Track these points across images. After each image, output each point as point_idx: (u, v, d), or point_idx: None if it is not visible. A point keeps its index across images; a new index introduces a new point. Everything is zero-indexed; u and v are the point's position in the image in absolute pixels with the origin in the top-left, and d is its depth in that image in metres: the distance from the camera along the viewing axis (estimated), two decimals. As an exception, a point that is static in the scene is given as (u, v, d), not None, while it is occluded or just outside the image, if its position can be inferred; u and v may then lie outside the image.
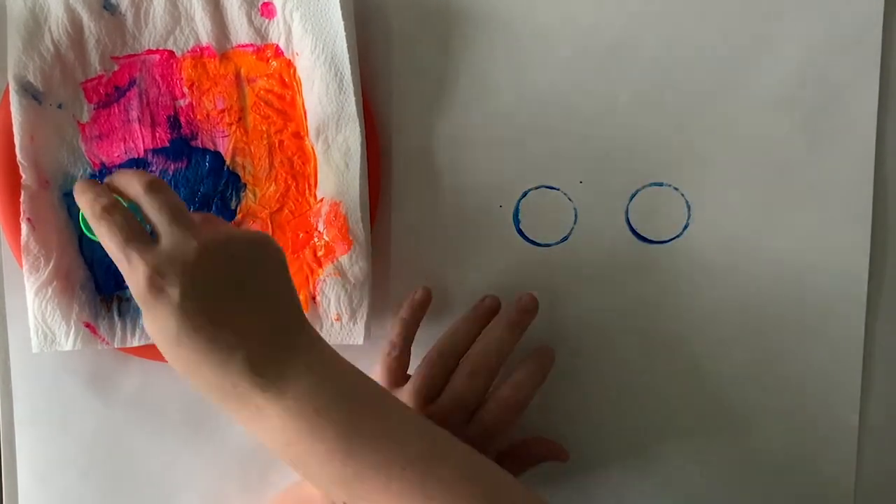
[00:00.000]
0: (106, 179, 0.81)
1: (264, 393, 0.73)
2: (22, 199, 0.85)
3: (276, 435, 0.74)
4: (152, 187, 0.77)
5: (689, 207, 0.91)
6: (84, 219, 0.80)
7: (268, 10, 0.86)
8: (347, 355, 0.91)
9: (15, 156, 0.85)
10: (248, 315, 0.74)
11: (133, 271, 0.74)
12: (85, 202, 0.78)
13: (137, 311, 0.88)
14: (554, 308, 0.92)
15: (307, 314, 0.87)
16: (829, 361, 0.93)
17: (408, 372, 0.89)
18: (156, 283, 0.72)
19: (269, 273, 0.77)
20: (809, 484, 0.94)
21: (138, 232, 0.76)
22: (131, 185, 0.78)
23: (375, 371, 0.89)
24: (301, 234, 0.88)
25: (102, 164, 0.87)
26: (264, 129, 0.88)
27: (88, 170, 0.87)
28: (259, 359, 0.73)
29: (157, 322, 0.73)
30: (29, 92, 0.85)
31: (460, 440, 0.78)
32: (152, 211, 0.76)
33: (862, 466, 0.94)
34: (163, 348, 0.74)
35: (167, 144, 0.88)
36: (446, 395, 0.85)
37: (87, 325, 0.87)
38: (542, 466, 0.91)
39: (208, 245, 0.74)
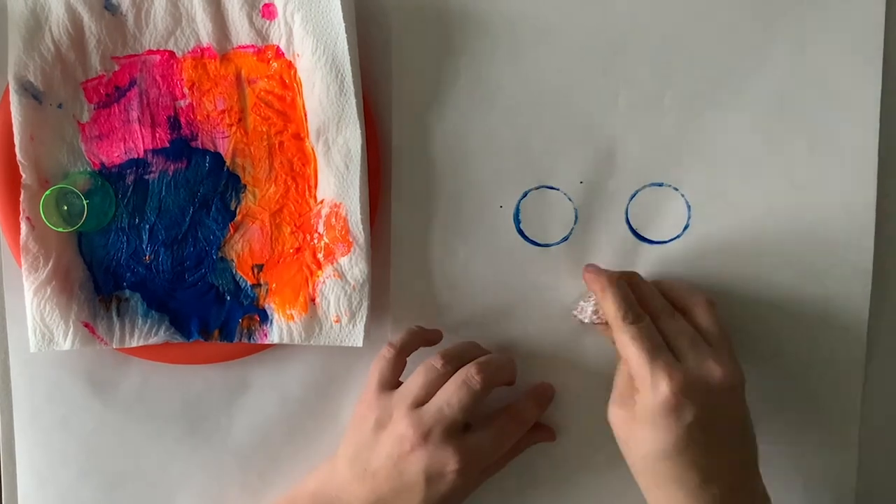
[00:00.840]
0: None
1: None
2: (22, 198, 0.86)
3: None
4: (669, 311, 0.86)
5: (689, 207, 0.91)
6: None
7: (269, 12, 0.86)
8: (347, 356, 0.91)
9: (15, 155, 0.85)
10: (730, 455, 0.82)
11: (656, 382, 0.80)
12: (616, 302, 0.84)
13: (136, 312, 0.88)
14: (554, 307, 0.92)
15: (306, 315, 0.88)
16: (829, 361, 0.93)
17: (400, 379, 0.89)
18: (675, 403, 0.79)
19: (747, 425, 0.85)
20: (809, 484, 0.94)
21: (663, 348, 0.82)
22: (651, 301, 0.86)
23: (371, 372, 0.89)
24: (301, 236, 0.88)
25: (102, 163, 0.87)
26: (264, 130, 0.88)
27: (88, 170, 0.87)
28: (730, 496, 0.81)
29: (653, 431, 0.81)
30: (29, 91, 0.85)
31: (453, 451, 0.82)
32: (673, 332, 0.84)
33: (862, 466, 0.94)
34: (642, 451, 0.83)
35: (167, 145, 0.87)
36: (433, 402, 0.85)
37: (86, 325, 0.88)
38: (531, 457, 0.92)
39: (731, 380, 0.82)
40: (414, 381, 0.86)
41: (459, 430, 0.85)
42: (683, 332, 0.83)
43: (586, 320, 0.89)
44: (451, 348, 0.89)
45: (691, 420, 0.79)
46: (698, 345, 0.83)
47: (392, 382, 0.88)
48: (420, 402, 0.85)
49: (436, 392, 0.85)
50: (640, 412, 0.82)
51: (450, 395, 0.84)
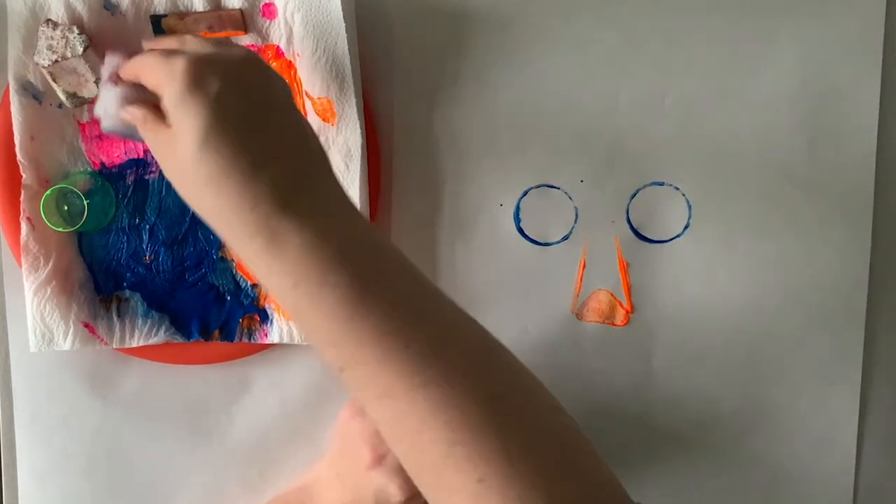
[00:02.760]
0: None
1: (287, 217, 0.67)
2: (22, 198, 0.86)
3: (285, 272, 0.67)
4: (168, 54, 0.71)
5: (689, 206, 0.91)
6: None
7: (269, 11, 0.86)
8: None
9: (15, 155, 0.85)
10: (279, 137, 0.70)
11: (171, 65, 0.68)
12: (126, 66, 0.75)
13: (136, 312, 0.89)
14: (554, 307, 0.93)
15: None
16: (828, 361, 0.93)
17: None
18: (195, 75, 0.67)
19: (294, 107, 0.72)
20: (809, 484, 0.94)
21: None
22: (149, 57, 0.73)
23: None
24: (301, 235, 0.88)
25: (102, 164, 0.88)
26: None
27: (88, 170, 0.87)
28: (287, 182, 0.68)
29: (186, 119, 0.67)
30: (29, 92, 0.85)
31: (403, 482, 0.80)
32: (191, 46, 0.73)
33: (862, 467, 0.94)
34: (185, 153, 0.68)
35: (167, 145, 0.87)
36: None
37: (86, 325, 0.88)
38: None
39: (251, 57, 0.71)
40: None
41: None
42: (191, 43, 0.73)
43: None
44: None
45: (218, 87, 0.67)
46: (206, 45, 0.72)
47: None
48: None
49: None
50: (170, 113, 0.69)
51: None
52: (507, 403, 0.66)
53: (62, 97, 0.84)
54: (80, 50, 0.83)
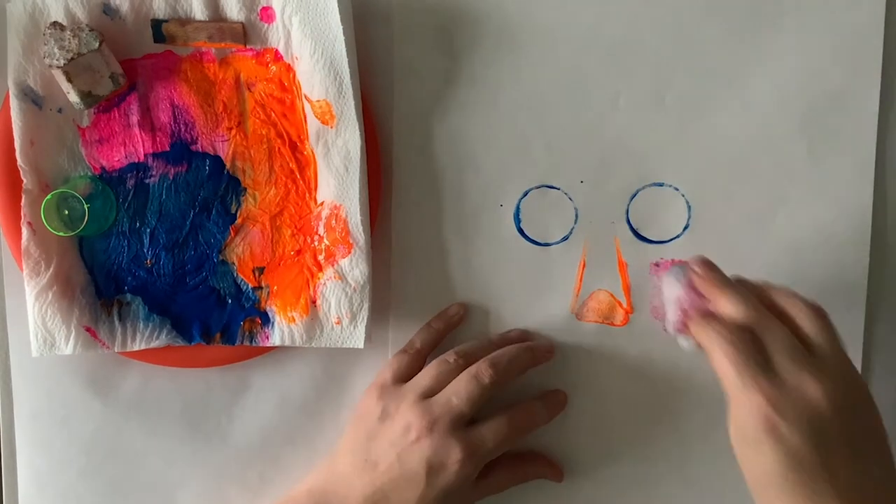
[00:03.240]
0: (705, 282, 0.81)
1: None
2: (22, 203, 0.86)
3: None
4: (766, 318, 0.77)
5: (689, 207, 0.91)
6: None
7: (267, 15, 0.86)
8: (348, 357, 0.91)
9: (15, 160, 0.85)
10: (855, 479, 0.73)
11: (747, 399, 0.73)
12: (712, 331, 0.77)
13: (138, 316, 0.89)
14: (554, 307, 0.93)
15: (307, 317, 0.88)
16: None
17: None
18: (773, 422, 0.71)
19: (880, 447, 0.76)
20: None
21: (758, 360, 0.74)
22: (741, 308, 0.77)
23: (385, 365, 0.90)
24: (301, 238, 0.88)
25: (103, 168, 0.87)
26: (264, 133, 0.87)
27: (88, 174, 0.87)
28: None
29: (752, 455, 0.73)
30: (29, 96, 0.85)
31: (456, 442, 0.81)
32: (771, 342, 0.75)
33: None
34: (749, 476, 0.75)
35: (167, 149, 0.87)
36: (442, 394, 0.86)
37: (88, 330, 0.88)
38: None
39: (836, 394, 0.73)
40: (426, 373, 0.88)
41: (465, 423, 0.85)
42: (781, 344, 0.75)
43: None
44: (466, 345, 0.90)
45: (797, 441, 0.71)
46: (798, 358, 0.74)
47: (406, 377, 0.89)
48: (429, 394, 0.86)
49: (446, 385, 0.86)
50: (738, 430, 0.75)
51: (459, 388, 0.85)
52: None
53: (75, 98, 0.84)
54: (96, 45, 0.83)
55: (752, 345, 0.74)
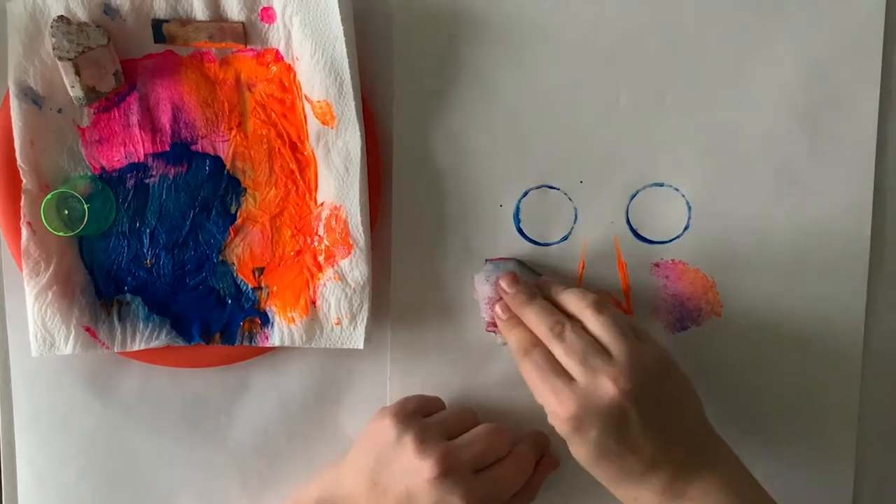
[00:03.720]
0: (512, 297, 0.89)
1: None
2: (22, 203, 0.86)
3: None
4: (557, 332, 0.84)
5: (689, 207, 0.91)
6: None
7: (268, 15, 0.86)
8: (347, 358, 0.91)
9: (15, 160, 0.85)
10: (662, 446, 0.81)
11: (552, 409, 0.81)
12: (513, 340, 0.87)
13: (137, 316, 0.89)
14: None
15: (307, 318, 0.88)
16: (828, 361, 0.93)
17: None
18: (575, 426, 0.80)
19: (681, 397, 0.85)
20: (809, 484, 0.94)
21: (555, 370, 0.82)
22: (538, 327, 0.86)
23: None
24: (301, 239, 0.88)
25: (102, 168, 0.87)
26: (264, 133, 0.87)
27: (88, 174, 0.87)
28: (670, 485, 0.82)
29: (573, 446, 0.82)
30: (29, 96, 0.85)
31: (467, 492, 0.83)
32: (562, 355, 0.83)
33: (862, 467, 0.94)
34: (582, 464, 0.83)
35: (167, 149, 0.87)
36: (466, 440, 0.86)
37: (87, 330, 0.88)
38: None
39: (625, 386, 0.79)
40: (451, 414, 0.89)
41: (473, 474, 0.85)
42: (571, 351, 0.82)
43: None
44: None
45: (596, 435, 0.80)
46: (588, 359, 0.81)
47: (426, 412, 0.89)
48: (451, 436, 0.86)
49: (466, 430, 0.87)
50: (558, 429, 0.82)
51: (482, 436, 0.87)
52: None
53: (78, 93, 0.84)
54: (105, 41, 0.83)
55: (549, 359, 0.83)
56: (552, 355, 0.83)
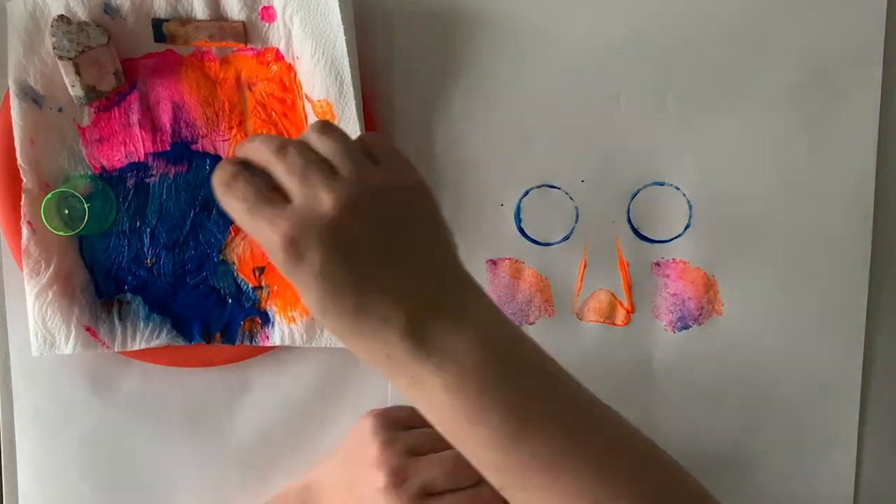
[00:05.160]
0: (235, 151, 0.74)
1: (421, 364, 0.65)
2: (22, 202, 0.86)
3: (434, 408, 0.67)
4: (280, 150, 0.68)
5: (690, 206, 0.91)
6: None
7: (268, 14, 0.86)
8: (348, 358, 0.91)
9: (15, 159, 0.85)
10: (401, 277, 0.67)
11: (266, 241, 0.66)
12: (215, 182, 0.70)
13: (138, 315, 0.89)
14: (554, 307, 0.93)
15: (308, 317, 0.88)
16: (829, 361, 0.93)
17: None
18: (293, 251, 0.65)
19: (423, 227, 0.70)
20: (809, 485, 0.94)
21: (264, 196, 0.67)
22: (259, 152, 0.69)
23: None
24: (302, 238, 0.88)
25: (103, 167, 0.87)
26: (265, 132, 0.87)
27: (89, 173, 0.87)
28: (415, 326, 0.66)
29: (300, 289, 0.66)
30: (29, 96, 0.85)
31: None
32: (282, 174, 0.68)
33: (862, 467, 0.94)
34: (314, 315, 0.74)
35: (168, 148, 0.88)
36: (429, 460, 0.83)
37: (88, 329, 0.88)
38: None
39: (348, 202, 0.66)
40: (432, 432, 0.76)
41: (432, 493, 0.82)
42: (292, 169, 0.67)
43: None
44: None
45: (319, 257, 0.64)
46: (310, 176, 0.67)
47: (414, 425, 0.85)
48: (419, 453, 0.82)
49: (436, 450, 0.82)
50: (282, 272, 0.67)
51: (446, 462, 0.82)
52: None
53: (79, 92, 0.84)
54: (105, 40, 0.84)
55: (255, 185, 0.68)
56: (260, 183, 0.68)
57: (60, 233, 0.86)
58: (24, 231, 0.86)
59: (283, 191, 0.68)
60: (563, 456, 0.65)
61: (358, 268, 0.66)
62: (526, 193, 0.91)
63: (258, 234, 0.67)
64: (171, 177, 0.88)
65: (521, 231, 0.92)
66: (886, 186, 0.92)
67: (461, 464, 0.72)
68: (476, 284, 0.70)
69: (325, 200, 0.65)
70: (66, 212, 0.87)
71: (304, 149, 0.69)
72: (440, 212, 0.71)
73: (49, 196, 0.85)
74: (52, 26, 0.83)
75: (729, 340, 0.93)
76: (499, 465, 0.66)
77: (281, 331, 0.89)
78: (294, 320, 0.89)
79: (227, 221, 0.88)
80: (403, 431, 0.84)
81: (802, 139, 0.91)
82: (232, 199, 0.68)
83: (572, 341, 0.93)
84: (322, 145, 0.69)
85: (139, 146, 0.87)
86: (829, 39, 0.90)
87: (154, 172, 0.88)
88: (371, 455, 0.82)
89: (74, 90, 0.84)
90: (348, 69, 0.85)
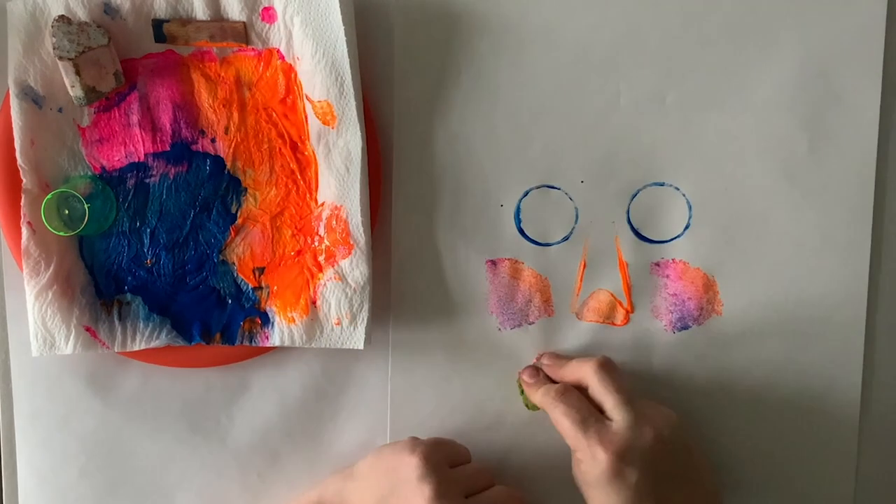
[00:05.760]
0: (552, 365, 0.91)
1: None
2: (22, 202, 0.85)
3: None
4: (604, 368, 0.86)
5: (690, 207, 0.91)
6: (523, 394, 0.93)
7: (268, 15, 0.86)
8: (348, 358, 0.91)
9: (15, 160, 0.85)
10: (683, 496, 0.84)
11: (592, 454, 0.82)
12: (536, 391, 0.89)
13: (138, 316, 0.89)
14: (554, 307, 0.93)
15: (307, 318, 0.88)
16: (829, 361, 0.93)
17: None
18: (618, 467, 0.81)
19: (696, 455, 0.88)
20: (810, 484, 0.94)
21: (595, 413, 0.85)
22: (580, 369, 0.88)
23: None
24: (302, 239, 0.88)
25: (103, 167, 0.87)
26: (265, 133, 0.87)
27: (89, 174, 0.87)
28: None
29: (605, 497, 0.82)
30: (29, 96, 0.85)
31: None
32: (603, 391, 0.85)
33: (862, 466, 0.94)
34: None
35: (168, 148, 0.87)
36: (484, 500, 0.86)
37: (88, 329, 0.88)
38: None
39: (662, 433, 0.83)
40: (474, 469, 0.87)
41: None
42: (622, 389, 0.85)
43: None
44: None
45: (636, 480, 0.81)
46: (636, 404, 0.85)
47: (454, 462, 0.88)
48: (468, 494, 0.85)
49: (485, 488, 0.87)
50: (590, 480, 0.83)
51: (499, 500, 0.87)
52: None
53: (79, 93, 0.84)
54: (105, 41, 0.84)
55: (585, 402, 0.85)
56: (586, 401, 0.86)
57: (60, 233, 0.86)
58: (24, 231, 0.85)
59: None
60: None
61: (661, 489, 0.82)
62: (526, 193, 0.91)
63: (584, 445, 0.83)
64: (171, 177, 0.88)
65: (521, 231, 0.92)
66: (886, 186, 0.92)
67: (511, 501, 0.86)
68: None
69: (647, 431, 0.83)
70: (66, 212, 0.87)
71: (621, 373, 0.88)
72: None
73: (49, 196, 0.85)
74: (52, 27, 0.83)
75: (729, 340, 0.93)
76: None
77: (280, 331, 0.89)
78: (294, 321, 0.88)
79: (226, 222, 0.88)
80: (452, 472, 0.86)
81: (802, 139, 0.91)
82: (565, 406, 0.85)
83: (572, 341, 0.93)
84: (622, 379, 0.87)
85: (139, 146, 0.87)
86: (829, 39, 0.90)
87: (154, 173, 0.88)
88: (425, 497, 0.83)
89: (74, 91, 0.84)
90: (349, 70, 0.85)
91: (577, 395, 0.86)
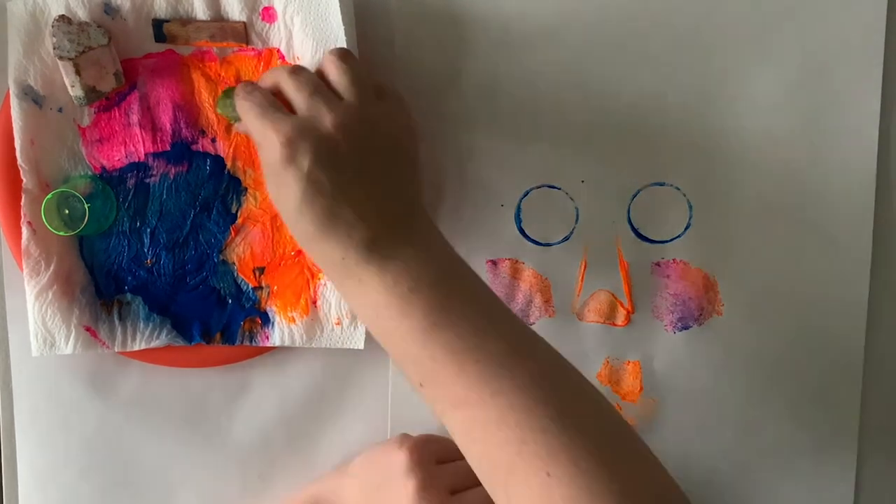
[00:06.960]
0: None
1: (368, 267, 0.76)
2: (23, 202, 0.86)
3: (369, 307, 0.77)
4: (294, 70, 0.80)
5: (690, 207, 0.91)
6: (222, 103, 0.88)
7: (269, 15, 0.86)
8: (348, 358, 0.91)
9: (16, 159, 0.85)
10: (372, 199, 0.77)
11: (267, 140, 0.77)
12: (237, 95, 0.82)
13: (138, 315, 0.89)
14: (555, 306, 0.93)
15: (307, 318, 0.88)
16: (829, 362, 0.93)
17: None
18: (288, 152, 0.75)
19: (403, 164, 0.81)
20: (809, 485, 0.94)
21: (275, 105, 0.79)
22: (276, 73, 0.82)
23: None
24: (302, 238, 0.88)
25: (103, 167, 0.87)
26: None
27: (89, 173, 0.87)
28: (372, 240, 0.76)
29: (281, 189, 0.77)
30: (29, 96, 0.85)
31: None
32: (292, 90, 0.80)
33: (862, 466, 0.94)
34: (284, 217, 0.79)
35: (168, 148, 0.87)
36: (472, 496, 0.85)
37: (88, 329, 0.88)
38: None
39: (345, 120, 0.77)
40: (464, 466, 0.83)
41: None
42: (302, 86, 0.79)
43: None
44: None
45: (309, 163, 0.75)
46: (316, 96, 0.78)
47: (444, 459, 0.87)
48: (455, 490, 0.85)
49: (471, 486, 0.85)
50: (268, 174, 0.79)
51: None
52: (570, 406, 0.73)
53: (79, 93, 0.84)
54: (105, 41, 0.84)
55: (270, 95, 0.81)
56: (273, 95, 0.81)
57: (60, 233, 0.86)
58: (24, 231, 0.85)
59: (292, 108, 0.79)
60: (469, 349, 0.74)
61: (338, 180, 0.76)
62: (526, 194, 0.91)
63: (262, 133, 0.78)
64: (172, 177, 0.88)
65: (522, 231, 0.92)
66: (886, 186, 0.92)
67: None
68: (434, 227, 0.82)
69: (326, 118, 0.77)
70: (66, 212, 0.87)
71: (316, 74, 0.81)
72: (419, 159, 0.84)
73: (49, 196, 0.85)
74: (52, 26, 0.83)
75: (729, 340, 0.93)
76: (416, 358, 0.76)
77: (281, 331, 0.89)
78: (294, 321, 0.89)
79: (227, 222, 0.88)
80: (439, 467, 0.86)
81: (803, 139, 0.91)
82: (247, 102, 0.80)
83: (572, 342, 0.93)
84: (335, 70, 0.81)
85: (139, 146, 0.87)
86: (829, 39, 0.90)
87: (154, 172, 0.88)
88: (409, 491, 0.83)
89: (74, 90, 0.84)
90: (349, 69, 0.85)
91: (263, 91, 0.81)
